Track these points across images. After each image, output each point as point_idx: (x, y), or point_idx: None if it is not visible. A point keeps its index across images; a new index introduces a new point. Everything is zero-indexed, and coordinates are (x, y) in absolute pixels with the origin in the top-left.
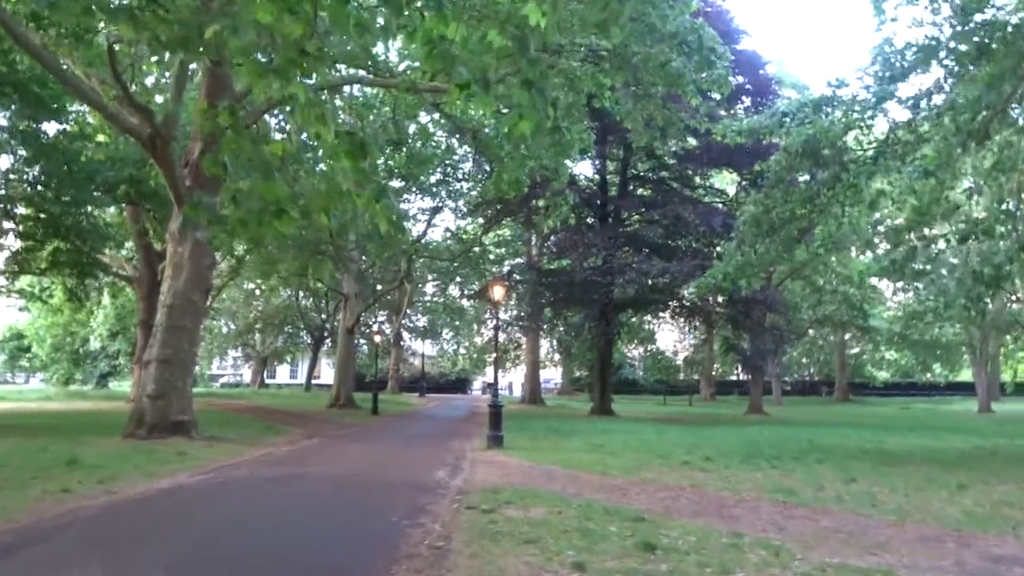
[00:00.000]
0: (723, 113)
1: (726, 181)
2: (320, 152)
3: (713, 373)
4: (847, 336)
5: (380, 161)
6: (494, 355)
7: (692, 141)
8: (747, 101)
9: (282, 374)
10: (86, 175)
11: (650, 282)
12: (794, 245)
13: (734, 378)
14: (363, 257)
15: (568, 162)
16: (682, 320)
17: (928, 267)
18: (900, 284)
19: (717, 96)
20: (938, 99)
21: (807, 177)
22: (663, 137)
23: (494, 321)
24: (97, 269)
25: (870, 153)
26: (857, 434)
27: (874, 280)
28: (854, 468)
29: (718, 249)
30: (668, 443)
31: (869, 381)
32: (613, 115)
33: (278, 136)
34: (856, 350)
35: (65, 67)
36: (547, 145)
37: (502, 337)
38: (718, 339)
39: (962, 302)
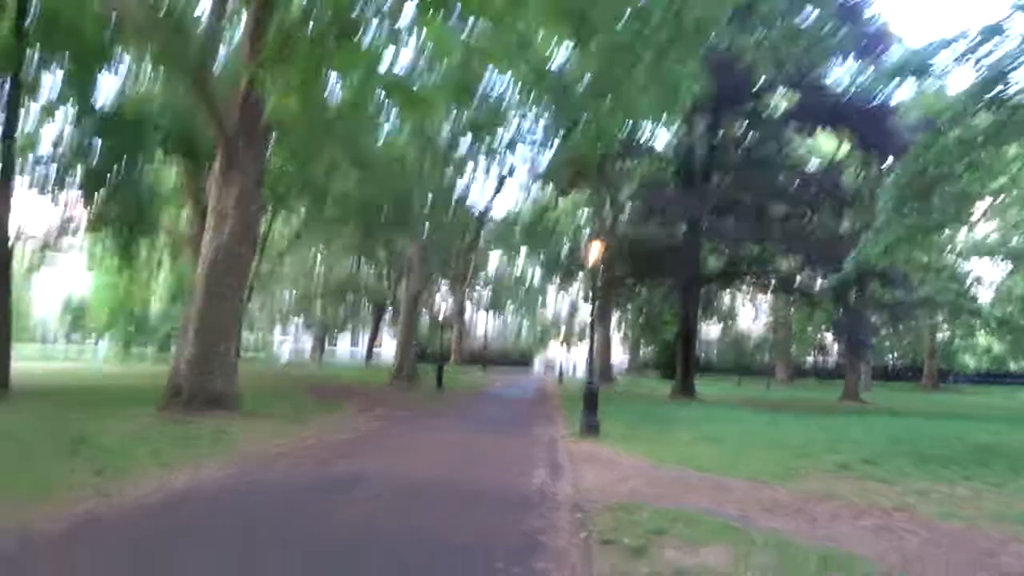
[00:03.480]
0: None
1: (822, 147)
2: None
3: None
4: (939, 319)
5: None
6: (588, 322)
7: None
8: (848, 59)
9: (343, 345)
10: (136, 125)
11: (746, 250)
12: (963, 205)
13: (810, 359)
14: (426, 223)
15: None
16: (777, 296)
17: None
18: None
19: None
20: None
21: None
22: (800, 67)
23: (589, 283)
24: (150, 226)
25: None
26: (1008, 430)
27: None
28: None
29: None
30: (795, 437)
31: (960, 369)
32: (729, 47)
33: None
34: (945, 335)
35: None
36: (644, 88)
37: (568, 313)
38: (815, 316)
39: None
